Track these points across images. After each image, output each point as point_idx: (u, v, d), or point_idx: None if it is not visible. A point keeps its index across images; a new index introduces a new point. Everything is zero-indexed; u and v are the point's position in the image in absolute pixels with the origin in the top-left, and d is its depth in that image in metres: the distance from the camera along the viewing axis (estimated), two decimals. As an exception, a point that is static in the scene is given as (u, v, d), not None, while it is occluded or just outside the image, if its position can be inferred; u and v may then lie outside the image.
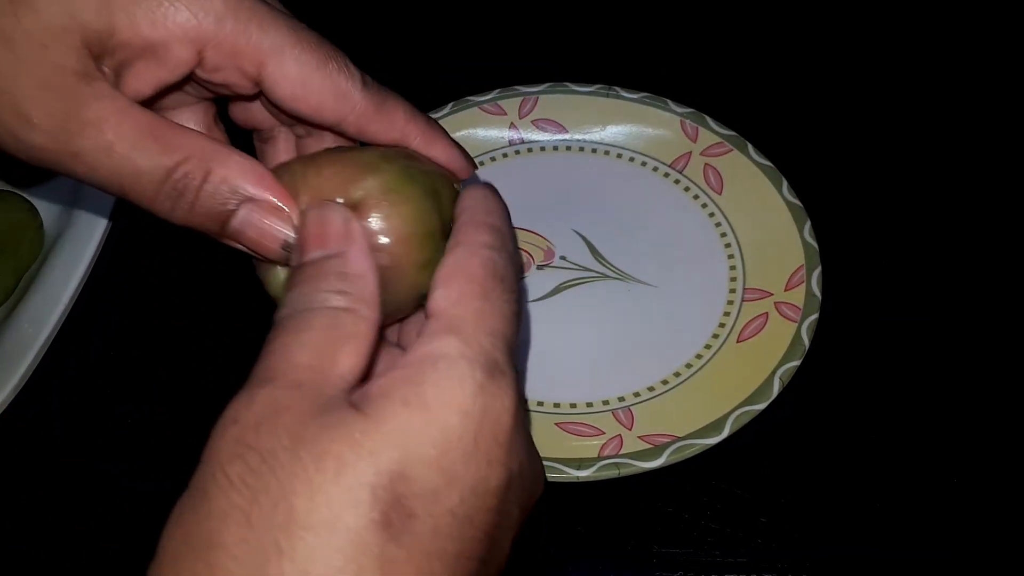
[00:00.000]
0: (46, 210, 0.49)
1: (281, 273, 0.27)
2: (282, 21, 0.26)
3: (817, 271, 0.45)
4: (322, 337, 0.22)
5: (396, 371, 0.22)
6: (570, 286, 0.47)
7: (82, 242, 0.46)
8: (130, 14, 0.25)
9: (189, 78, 0.27)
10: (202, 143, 0.26)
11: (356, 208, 0.26)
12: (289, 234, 0.26)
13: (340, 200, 0.26)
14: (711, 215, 0.49)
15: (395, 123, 0.28)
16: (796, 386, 0.42)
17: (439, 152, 0.29)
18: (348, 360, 0.22)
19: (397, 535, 0.19)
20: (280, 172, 0.27)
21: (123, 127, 0.25)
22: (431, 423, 0.21)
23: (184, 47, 0.25)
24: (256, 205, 0.26)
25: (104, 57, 0.25)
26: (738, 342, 0.44)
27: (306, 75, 0.26)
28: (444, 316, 0.23)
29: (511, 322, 0.24)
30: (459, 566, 0.20)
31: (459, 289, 0.24)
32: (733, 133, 0.51)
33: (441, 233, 0.27)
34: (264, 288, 0.29)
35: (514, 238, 0.27)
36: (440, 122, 0.30)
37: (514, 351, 0.24)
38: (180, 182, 0.25)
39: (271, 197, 0.26)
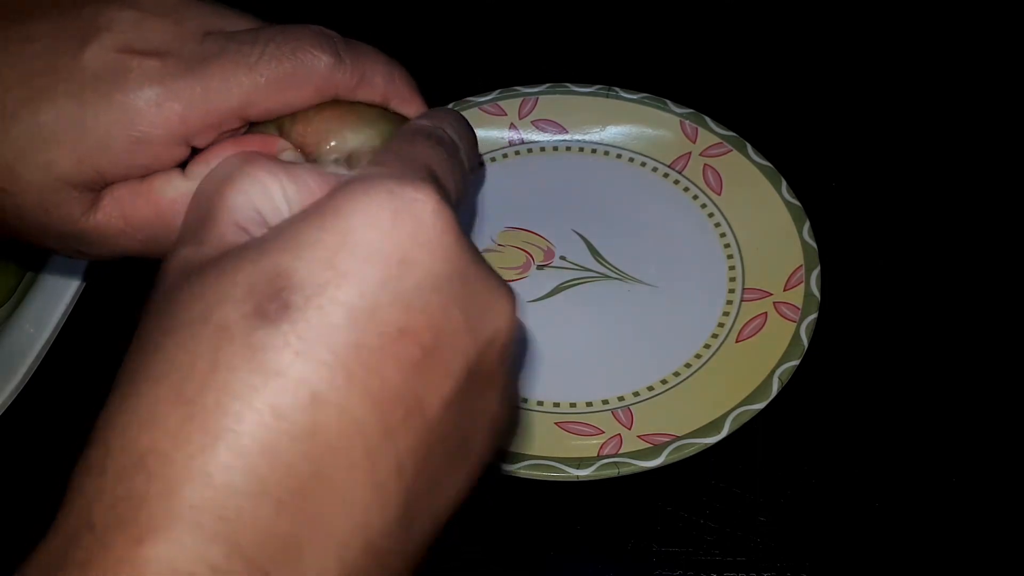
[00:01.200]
0: (47, 210, 0.50)
1: None
2: (231, 62, 0.27)
3: (816, 271, 0.45)
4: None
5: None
6: (570, 286, 0.47)
7: (83, 242, 0.46)
8: (107, 158, 0.26)
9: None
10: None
11: (349, 156, 0.27)
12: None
13: (333, 143, 0.27)
14: (710, 215, 0.49)
15: (376, 88, 0.29)
16: (795, 386, 0.42)
17: (413, 111, 0.30)
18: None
19: (271, 322, 0.18)
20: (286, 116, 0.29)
21: (127, 241, 0.28)
22: (325, 228, 0.19)
23: (170, 151, 0.27)
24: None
25: (106, 186, 0.27)
26: (737, 342, 0.44)
27: (284, 96, 0.27)
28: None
29: (440, 160, 0.23)
30: (359, 356, 0.19)
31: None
32: (732, 134, 0.51)
33: None
34: None
35: (459, 128, 0.27)
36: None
37: (446, 188, 0.23)
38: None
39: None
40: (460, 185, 0.24)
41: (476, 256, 0.21)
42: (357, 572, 0.18)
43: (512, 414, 0.23)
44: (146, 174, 0.27)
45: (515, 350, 0.23)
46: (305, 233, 0.20)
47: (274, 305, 0.18)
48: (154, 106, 0.26)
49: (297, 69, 0.27)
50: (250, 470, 0.17)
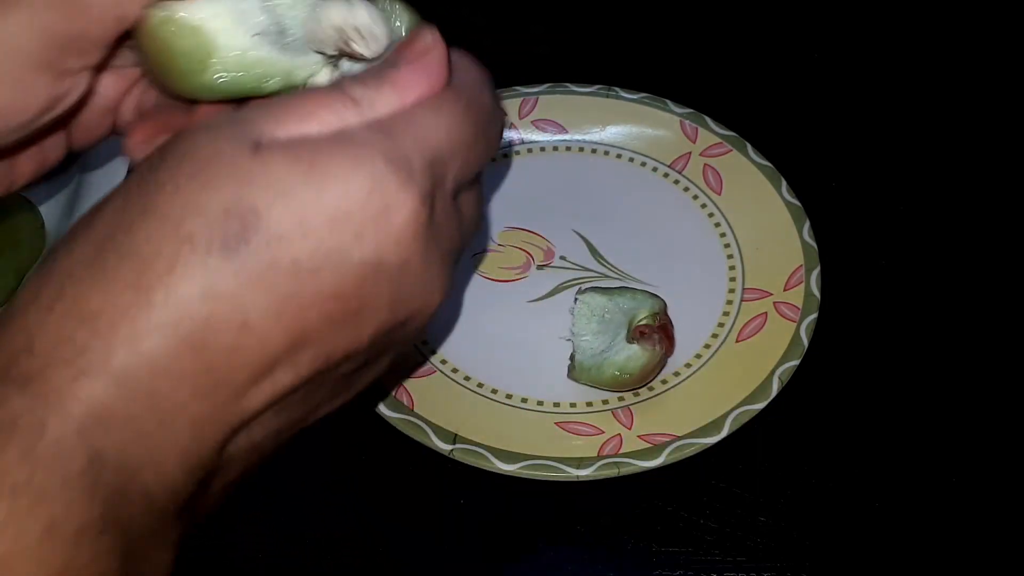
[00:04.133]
0: (47, 210, 0.50)
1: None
2: None
3: (816, 271, 0.45)
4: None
5: (318, 135, 0.22)
6: (570, 286, 0.47)
7: (83, 242, 0.46)
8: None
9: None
10: None
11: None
12: None
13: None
14: (710, 215, 0.49)
15: None
16: (795, 386, 0.42)
17: None
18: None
19: (229, 250, 0.21)
20: None
21: None
22: (307, 182, 0.21)
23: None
24: None
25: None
26: (737, 342, 0.44)
27: None
28: (391, 114, 0.23)
29: (457, 138, 0.24)
30: (291, 303, 0.21)
31: (419, 91, 0.24)
32: (732, 134, 0.51)
33: None
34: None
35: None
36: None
37: (444, 175, 0.24)
38: None
39: None
40: (475, 162, 0.25)
41: (427, 250, 0.23)
42: (205, 456, 0.22)
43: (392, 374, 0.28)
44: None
45: (420, 330, 0.26)
46: (289, 178, 0.21)
47: (237, 238, 0.21)
48: None
49: None
50: (171, 355, 0.21)
